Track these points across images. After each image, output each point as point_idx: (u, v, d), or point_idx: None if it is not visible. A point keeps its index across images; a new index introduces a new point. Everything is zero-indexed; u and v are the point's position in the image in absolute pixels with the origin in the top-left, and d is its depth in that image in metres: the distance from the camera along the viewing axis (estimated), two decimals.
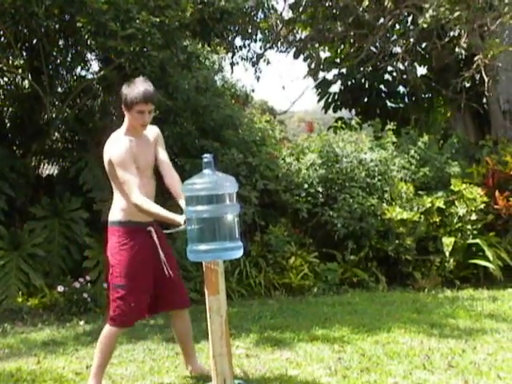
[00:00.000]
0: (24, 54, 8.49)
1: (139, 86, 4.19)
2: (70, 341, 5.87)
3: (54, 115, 8.33)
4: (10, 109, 8.94)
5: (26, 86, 8.76)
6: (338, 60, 13.00)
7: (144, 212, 4.16)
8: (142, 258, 4.28)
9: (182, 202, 4.12)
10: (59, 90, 8.83)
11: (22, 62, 8.64)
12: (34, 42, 8.06)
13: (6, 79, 8.78)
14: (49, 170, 9.30)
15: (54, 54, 8.25)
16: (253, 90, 11.69)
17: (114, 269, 4.29)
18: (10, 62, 8.52)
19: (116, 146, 4.22)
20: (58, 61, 8.42)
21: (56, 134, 8.86)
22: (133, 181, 4.11)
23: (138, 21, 6.94)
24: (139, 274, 4.28)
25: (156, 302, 4.45)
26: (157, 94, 4.30)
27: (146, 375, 4.72)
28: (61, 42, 8.12)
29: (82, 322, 6.63)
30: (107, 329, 4.34)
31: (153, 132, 4.48)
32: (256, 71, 11.47)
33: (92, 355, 5.26)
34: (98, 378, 4.32)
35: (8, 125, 8.85)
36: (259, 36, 10.71)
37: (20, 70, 8.59)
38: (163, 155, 4.45)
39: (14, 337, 6.14)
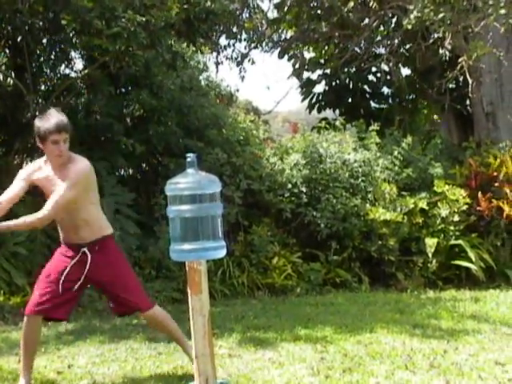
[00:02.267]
0: (7, 51, 8.45)
1: (51, 118, 4.22)
2: (51, 340, 5.83)
3: (37, 113, 8.28)
4: None
5: (9, 84, 8.71)
6: (322, 60, 12.99)
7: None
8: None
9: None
10: (42, 88, 8.80)
11: (5, 59, 8.59)
12: (18, 39, 8.01)
13: None
14: None
15: (38, 51, 8.22)
16: (237, 90, 11.72)
17: None
18: None
19: None
20: (42, 59, 8.39)
21: None
22: None
23: (123, 19, 6.93)
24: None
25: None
26: (69, 124, 4.27)
27: (128, 374, 4.71)
28: (45, 40, 8.08)
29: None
30: None
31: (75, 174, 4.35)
32: (240, 71, 11.54)
33: (74, 354, 5.27)
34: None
35: None
36: (244, 36, 10.74)
37: (3, 68, 8.54)
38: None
39: None
